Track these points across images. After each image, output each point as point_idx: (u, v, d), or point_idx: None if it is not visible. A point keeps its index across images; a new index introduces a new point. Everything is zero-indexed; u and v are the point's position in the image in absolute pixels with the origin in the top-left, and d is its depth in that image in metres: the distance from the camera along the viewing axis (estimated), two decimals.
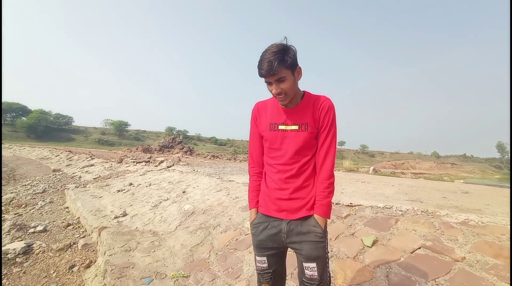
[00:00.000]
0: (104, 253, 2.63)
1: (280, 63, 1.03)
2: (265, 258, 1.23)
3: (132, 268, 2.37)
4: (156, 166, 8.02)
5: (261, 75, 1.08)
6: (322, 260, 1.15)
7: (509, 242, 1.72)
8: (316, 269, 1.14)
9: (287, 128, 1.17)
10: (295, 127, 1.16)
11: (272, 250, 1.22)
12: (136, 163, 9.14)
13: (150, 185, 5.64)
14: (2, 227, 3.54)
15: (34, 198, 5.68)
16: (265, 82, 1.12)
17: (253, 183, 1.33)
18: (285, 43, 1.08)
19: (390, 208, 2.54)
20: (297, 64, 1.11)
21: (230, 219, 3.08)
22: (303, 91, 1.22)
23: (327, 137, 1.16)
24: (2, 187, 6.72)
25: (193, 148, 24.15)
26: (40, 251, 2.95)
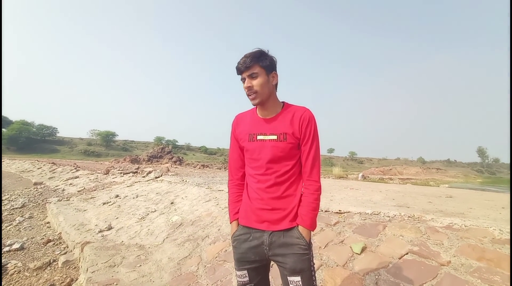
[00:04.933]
0: (87, 270, 2.50)
1: (254, 59, 1.12)
2: (245, 272, 1.18)
3: (116, 284, 2.26)
4: (143, 176, 7.82)
5: (237, 69, 1.15)
6: (307, 274, 1.10)
7: (490, 245, 1.77)
8: (301, 283, 1.09)
9: (265, 138, 1.17)
10: (274, 137, 1.16)
11: (253, 263, 1.18)
12: (123, 174, 8.89)
13: (137, 196, 5.47)
14: None
15: (12, 214, 5.36)
16: (241, 80, 1.17)
17: (232, 195, 1.30)
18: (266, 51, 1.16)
19: (378, 214, 2.57)
20: (274, 69, 1.17)
21: (219, 229, 3.02)
22: (282, 102, 1.23)
23: (311, 149, 1.16)
24: None
25: (182, 157, 23.81)
26: (16, 271, 2.76)
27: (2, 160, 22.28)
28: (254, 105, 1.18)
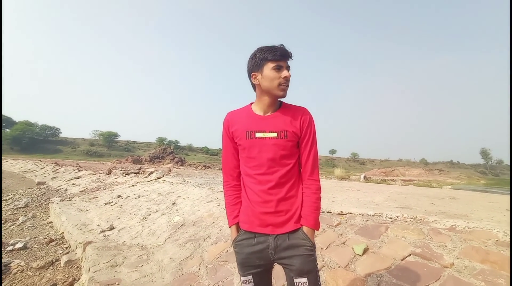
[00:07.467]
0: (89, 270, 2.51)
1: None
2: (250, 277, 1.15)
3: (118, 284, 2.27)
4: (145, 177, 7.85)
5: (283, 53, 1.07)
6: (313, 275, 1.09)
7: (494, 247, 1.76)
8: (307, 284, 1.07)
9: (265, 136, 1.12)
10: (274, 135, 1.12)
11: (258, 267, 1.15)
12: (125, 174, 8.93)
13: (139, 197, 5.49)
14: None
15: (15, 214, 5.41)
16: (275, 68, 1.07)
17: (229, 197, 1.24)
18: None
19: (380, 215, 2.55)
20: None
21: (220, 230, 3.02)
22: (279, 101, 1.19)
23: (312, 149, 1.16)
24: None
25: (184, 158, 23.84)
26: (19, 270, 2.78)
27: (6, 160, 22.46)
28: (282, 97, 1.12)
